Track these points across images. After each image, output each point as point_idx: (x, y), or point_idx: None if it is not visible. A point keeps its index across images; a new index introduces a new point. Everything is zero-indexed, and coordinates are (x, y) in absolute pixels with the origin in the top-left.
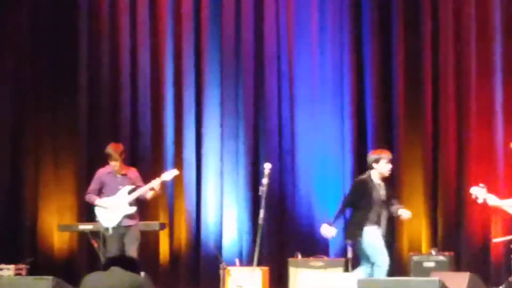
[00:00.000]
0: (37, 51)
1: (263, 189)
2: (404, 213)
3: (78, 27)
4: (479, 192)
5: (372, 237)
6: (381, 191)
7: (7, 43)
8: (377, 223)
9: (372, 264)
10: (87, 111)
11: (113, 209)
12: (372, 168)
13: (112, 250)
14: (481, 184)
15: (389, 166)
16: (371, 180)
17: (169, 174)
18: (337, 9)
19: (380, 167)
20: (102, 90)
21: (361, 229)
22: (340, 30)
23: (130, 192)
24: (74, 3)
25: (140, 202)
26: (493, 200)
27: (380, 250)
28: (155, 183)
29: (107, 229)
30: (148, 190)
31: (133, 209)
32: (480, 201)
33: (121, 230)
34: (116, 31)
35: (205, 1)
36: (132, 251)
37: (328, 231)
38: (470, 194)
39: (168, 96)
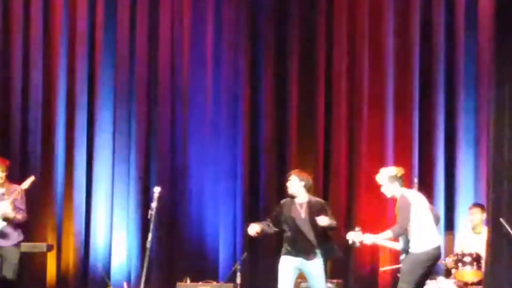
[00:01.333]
0: None
1: (152, 213)
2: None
3: None
4: (355, 236)
5: (281, 265)
6: (302, 211)
7: None
8: (294, 246)
9: None
10: None
11: None
12: None
13: None
14: (356, 228)
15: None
16: (292, 201)
17: (26, 182)
18: (232, 35)
19: None
20: None
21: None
22: (235, 56)
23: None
24: None
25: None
26: (369, 239)
27: (279, 279)
28: (14, 194)
29: None
30: (11, 206)
31: (3, 224)
32: (357, 245)
33: None
34: (8, 51)
35: (100, 21)
36: (9, 274)
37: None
38: (355, 231)
39: (59, 117)
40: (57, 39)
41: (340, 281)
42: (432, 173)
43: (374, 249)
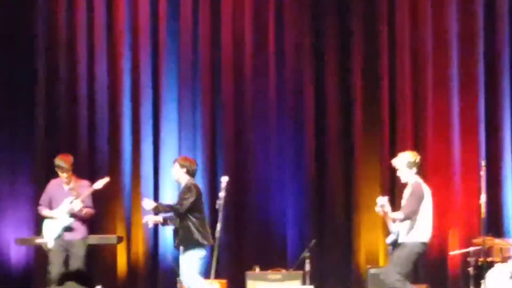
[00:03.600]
0: None
1: (220, 202)
2: None
3: (36, 41)
4: (381, 203)
5: None
6: None
7: None
8: None
9: None
10: (44, 126)
11: (54, 220)
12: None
13: (55, 264)
14: (386, 197)
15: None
16: None
17: (100, 183)
18: (296, 22)
19: None
20: (59, 105)
21: None
22: (300, 42)
23: (70, 203)
24: (31, 16)
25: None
26: (384, 210)
27: None
28: (87, 192)
29: (46, 243)
30: (81, 202)
31: (71, 220)
32: (378, 209)
33: (63, 243)
34: (73, 46)
35: (163, 14)
36: (77, 267)
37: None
38: (383, 198)
39: (125, 110)
40: (120, 34)
41: None
42: (499, 156)
43: (443, 233)
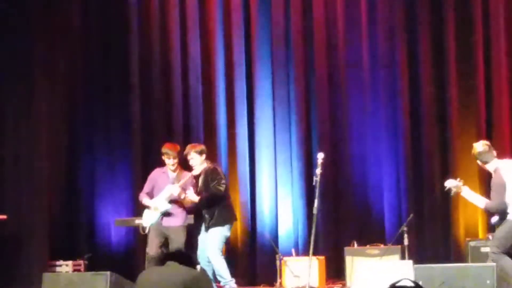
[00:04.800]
0: (89, 48)
1: (316, 179)
2: None
3: (129, 22)
4: (453, 185)
5: None
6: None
7: (60, 44)
8: None
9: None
10: (140, 107)
11: (153, 207)
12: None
13: (151, 247)
14: (458, 179)
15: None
16: None
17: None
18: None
19: None
20: (154, 85)
21: None
22: (391, 17)
23: (170, 188)
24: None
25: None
26: (465, 193)
27: None
28: (188, 177)
29: (144, 228)
30: (179, 187)
31: (169, 206)
32: (452, 194)
33: (161, 228)
34: (166, 26)
35: None
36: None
37: None
38: (456, 180)
39: (219, 89)
40: (212, 13)
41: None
42: None
43: None
